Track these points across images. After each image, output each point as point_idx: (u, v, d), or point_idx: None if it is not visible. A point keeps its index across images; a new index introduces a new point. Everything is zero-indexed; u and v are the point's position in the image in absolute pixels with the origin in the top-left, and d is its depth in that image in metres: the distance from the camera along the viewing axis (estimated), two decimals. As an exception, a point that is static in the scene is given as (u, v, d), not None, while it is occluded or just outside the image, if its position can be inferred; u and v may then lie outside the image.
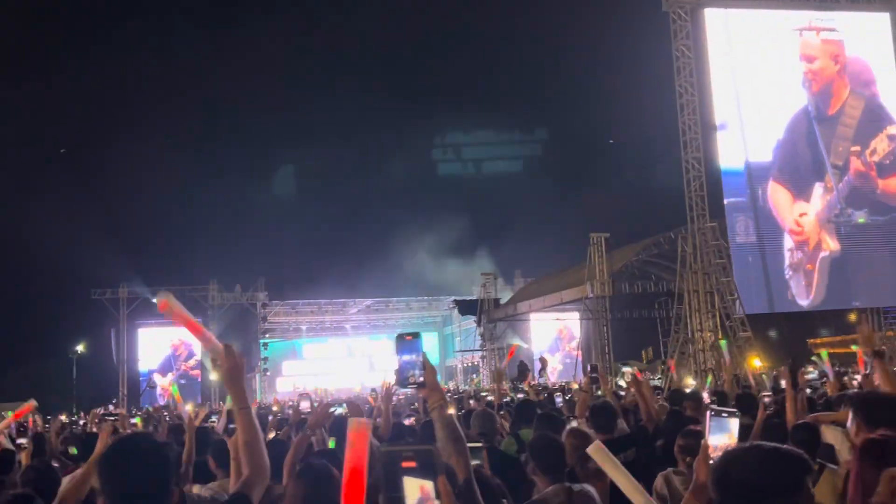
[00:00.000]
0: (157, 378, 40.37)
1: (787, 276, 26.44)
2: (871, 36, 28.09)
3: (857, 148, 27.12)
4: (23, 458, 6.50)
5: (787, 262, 26.43)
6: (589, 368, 8.82)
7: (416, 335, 2.89)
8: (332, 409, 7.13)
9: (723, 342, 19.20)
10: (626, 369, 22.47)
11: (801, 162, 26.85)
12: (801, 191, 26.71)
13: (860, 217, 26.96)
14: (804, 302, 26.76)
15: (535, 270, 44.13)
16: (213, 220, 46.29)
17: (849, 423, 3.89)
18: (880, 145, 27.41)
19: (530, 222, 46.28)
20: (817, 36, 27.44)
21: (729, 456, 2.17)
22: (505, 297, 42.07)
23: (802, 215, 26.50)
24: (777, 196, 26.48)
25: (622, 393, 10.90)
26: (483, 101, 56.62)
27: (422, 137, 56.29)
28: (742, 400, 7.85)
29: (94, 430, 8.71)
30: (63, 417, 20.27)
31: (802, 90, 27.08)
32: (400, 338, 2.88)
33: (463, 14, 56.08)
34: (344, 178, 51.77)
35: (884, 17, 28.16)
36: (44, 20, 48.47)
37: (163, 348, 41.45)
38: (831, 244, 26.61)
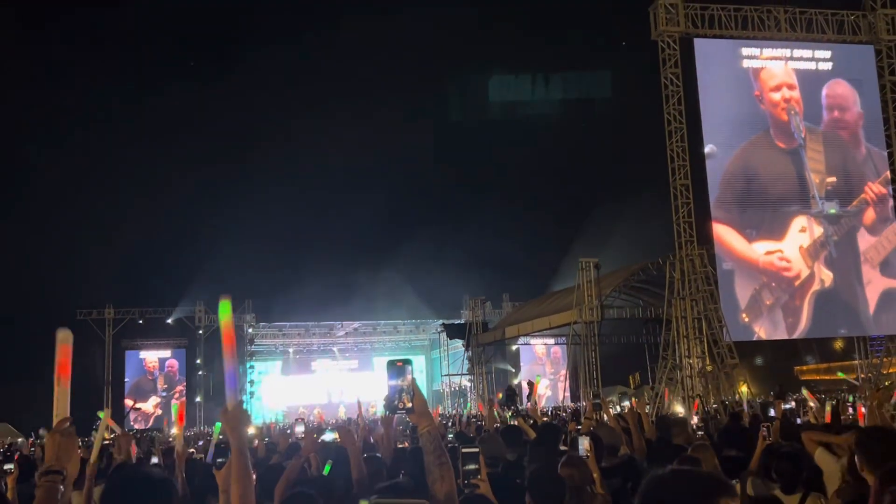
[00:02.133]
0: (139, 403, 40.10)
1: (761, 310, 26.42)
2: (856, 67, 28.47)
3: (833, 179, 27.36)
4: (9, 482, 6.41)
5: (767, 296, 26.44)
6: (592, 395, 8.82)
7: (406, 361, 2.92)
8: (321, 437, 7.13)
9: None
10: (626, 403, 22.58)
11: (770, 196, 26.94)
12: (766, 228, 26.78)
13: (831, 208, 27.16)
14: (791, 333, 26.89)
15: (524, 294, 44.20)
16: (201, 241, 46.16)
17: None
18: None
19: (519, 246, 46.40)
20: (786, 67, 27.84)
21: (652, 481, 2.25)
22: (493, 321, 42.06)
23: (771, 253, 26.58)
24: (725, 236, 26.44)
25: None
26: (472, 123, 56.90)
27: (410, 160, 56.51)
28: (728, 433, 7.82)
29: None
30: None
31: (781, 120, 27.36)
32: (391, 364, 2.91)
33: (446, 61, 56.53)
34: (332, 202, 51.80)
35: (868, 50, 28.57)
36: (32, 41, 48.52)
37: (144, 371, 41.21)
38: (826, 277, 26.72)
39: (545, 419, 12.82)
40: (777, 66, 27.65)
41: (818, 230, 26.98)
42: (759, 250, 26.41)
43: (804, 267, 26.65)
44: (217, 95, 50.77)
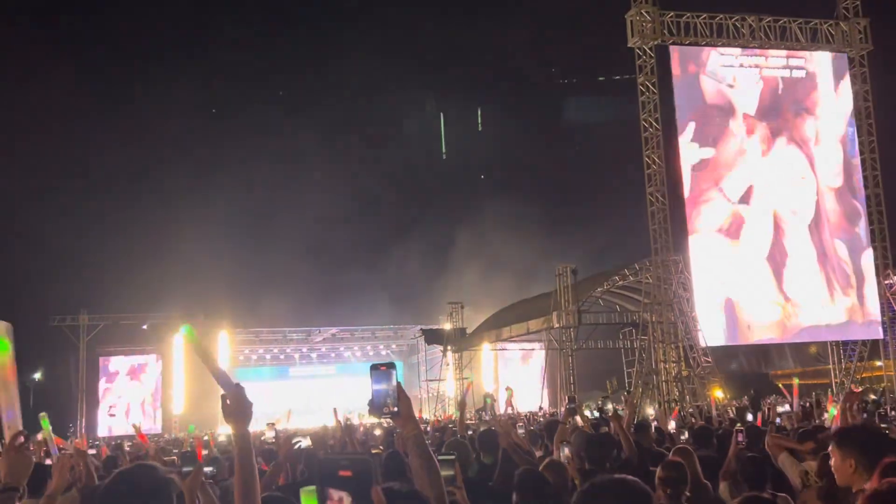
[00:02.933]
0: (114, 409, 39.73)
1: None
2: (829, 75, 28.80)
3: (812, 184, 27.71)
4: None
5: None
6: (567, 399, 8.81)
7: (390, 365, 2.87)
8: (295, 442, 7.10)
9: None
10: (609, 407, 22.81)
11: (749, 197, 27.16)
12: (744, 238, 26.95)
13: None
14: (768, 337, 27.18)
15: (502, 299, 44.24)
16: (177, 247, 45.83)
17: (835, 461, 3.87)
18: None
19: (497, 251, 46.47)
20: (761, 74, 28.15)
21: (589, 487, 2.31)
22: (471, 326, 42.08)
23: (748, 262, 26.69)
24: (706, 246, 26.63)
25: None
26: (446, 128, 57.09)
27: (388, 167, 56.49)
28: (700, 434, 7.93)
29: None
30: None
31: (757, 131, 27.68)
32: (374, 368, 2.86)
33: (427, 63, 56.69)
34: (309, 207, 51.64)
35: (841, 58, 28.91)
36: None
37: (121, 377, 40.83)
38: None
39: (520, 424, 12.84)
40: (752, 75, 27.92)
41: (793, 238, 27.21)
42: (736, 261, 26.61)
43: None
44: (186, 96, 50.38)
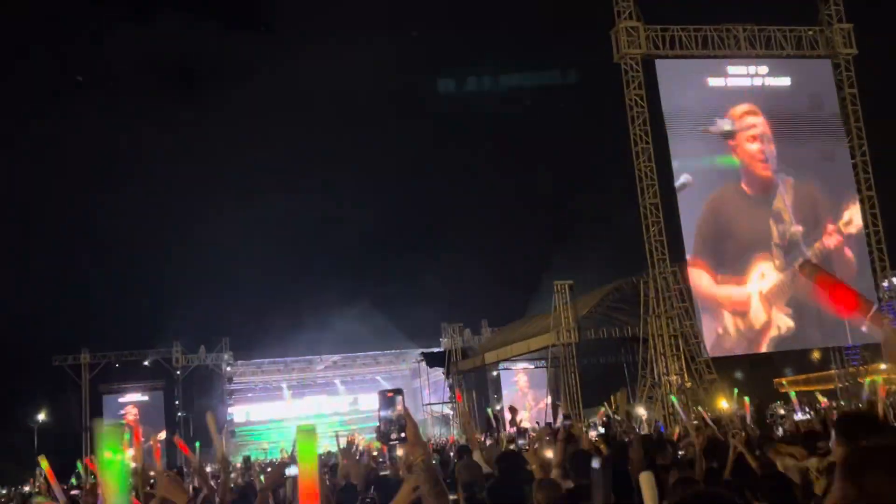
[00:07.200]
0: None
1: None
2: (815, 82, 28.92)
3: (800, 228, 27.58)
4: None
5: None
6: (562, 417, 8.69)
7: (397, 391, 2.91)
8: (287, 472, 7.03)
9: (673, 398, 19.58)
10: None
11: (737, 241, 27.19)
12: (731, 271, 26.97)
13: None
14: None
15: (502, 319, 44.19)
16: (176, 281, 45.85)
17: (835, 451, 3.86)
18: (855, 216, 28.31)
19: (495, 271, 46.51)
20: (751, 99, 28.22)
21: (684, 499, 2.36)
22: (473, 347, 41.99)
23: (735, 296, 26.69)
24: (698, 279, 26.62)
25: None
26: (446, 152, 57.27)
27: (382, 187, 56.63)
28: (715, 449, 7.83)
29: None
30: (27, 488, 20.16)
31: (753, 170, 27.71)
32: (382, 394, 2.90)
33: (418, 87, 56.98)
34: (305, 233, 51.72)
35: (826, 64, 29.06)
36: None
37: (124, 414, 40.58)
38: (782, 323, 26.90)
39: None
40: (739, 84, 28.01)
41: (778, 276, 27.11)
42: (724, 292, 26.59)
43: (762, 312, 26.79)
44: (187, 136, 50.75)
